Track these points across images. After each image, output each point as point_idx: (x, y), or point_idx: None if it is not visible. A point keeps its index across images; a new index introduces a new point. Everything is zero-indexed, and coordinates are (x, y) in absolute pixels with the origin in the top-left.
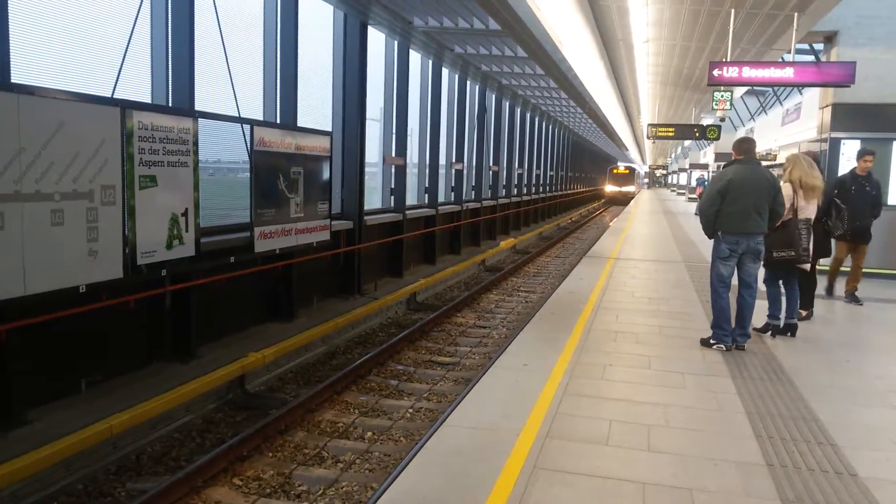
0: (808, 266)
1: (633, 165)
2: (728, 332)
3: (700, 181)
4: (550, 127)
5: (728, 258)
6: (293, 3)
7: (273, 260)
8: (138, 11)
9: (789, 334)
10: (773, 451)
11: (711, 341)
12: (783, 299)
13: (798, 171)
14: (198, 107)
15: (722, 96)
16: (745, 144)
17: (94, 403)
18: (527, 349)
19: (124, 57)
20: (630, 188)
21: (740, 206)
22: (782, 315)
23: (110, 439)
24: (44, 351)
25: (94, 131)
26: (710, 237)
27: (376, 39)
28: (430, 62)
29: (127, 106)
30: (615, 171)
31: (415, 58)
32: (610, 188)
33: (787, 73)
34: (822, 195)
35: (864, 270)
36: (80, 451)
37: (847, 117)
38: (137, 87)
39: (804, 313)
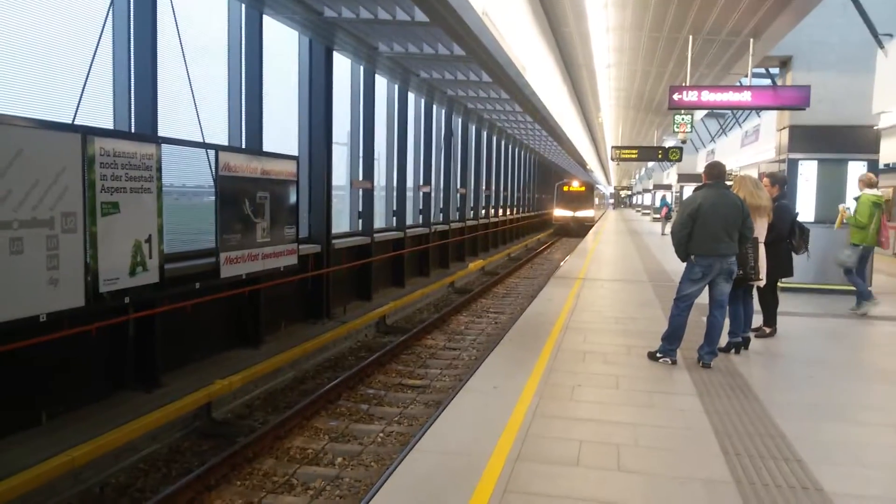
0: (761, 283)
1: (593, 182)
2: (676, 347)
3: (663, 202)
4: (517, 150)
5: (700, 280)
6: (258, 27)
7: (239, 285)
8: (100, 36)
9: (744, 348)
10: (741, 469)
11: (658, 355)
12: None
13: (743, 191)
14: (161, 132)
15: (683, 119)
16: (716, 169)
17: (56, 435)
18: (496, 371)
19: (85, 82)
20: (587, 212)
21: (711, 230)
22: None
23: (72, 471)
24: (2, 382)
25: (54, 158)
26: (683, 260)
27: (342, 64)
28: (396, 87)
29: (88, 132)
30: (566, 188)
31: (381, 82)
32: (559, 213)
33: (745, 97)
34: (769, 214)
35: (823, 287)
36: (41, 484)
37: (803, 139)
38: (99, 112)
39: (768, 330)
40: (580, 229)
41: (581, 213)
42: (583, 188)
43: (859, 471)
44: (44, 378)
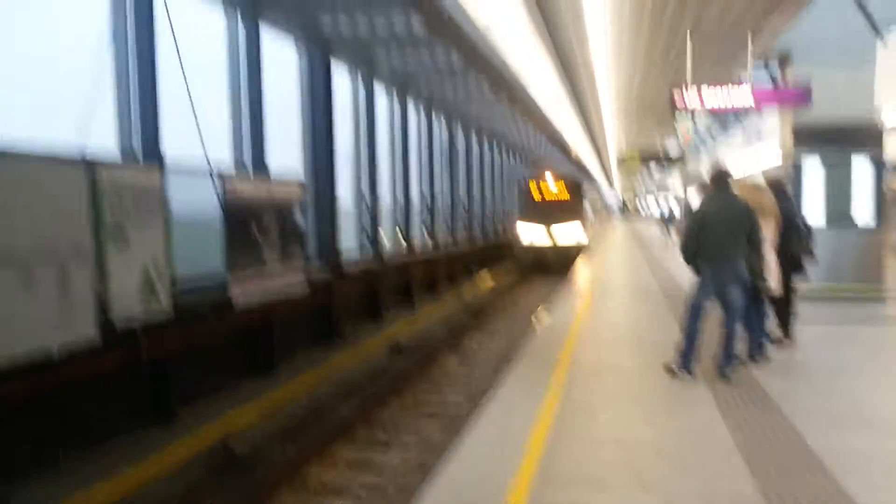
0: (771, 290)
1: (578, 180)
2: (692, 358)
3: (668, 212)
4: (522, 160)
5: (709, 286)
6: (256, 41)
7: (250, 312)
8: (100, 60)
9: (761, 357)
10: (768, 483)
11: (675, 368)
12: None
13: (743, 195)
14: (164, 150)
15: (684, 123)
16: (719, 175)
17: (74, 476)
18: (512, 392)
19: (88, 109)
20: (573, 232)
21: (717, 236)
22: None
23: None
24: (15, 421)
25: (60, 190)
26: (693, 270)
27: (342, 80)
28: (396, 98)
29: (93, 164)
30: (535, 189)
31: (381, 96)
32: (526, 232)
33: (746, 97)
34: (776, 216)
35: (839, 294)
36: None
37: (806, 136)
38: (102, 137)
39: (785, 339)
40: (561, 262)
41: (560, 236)
42: (565, 187)
43: (889, 481)
44: (57, 415)
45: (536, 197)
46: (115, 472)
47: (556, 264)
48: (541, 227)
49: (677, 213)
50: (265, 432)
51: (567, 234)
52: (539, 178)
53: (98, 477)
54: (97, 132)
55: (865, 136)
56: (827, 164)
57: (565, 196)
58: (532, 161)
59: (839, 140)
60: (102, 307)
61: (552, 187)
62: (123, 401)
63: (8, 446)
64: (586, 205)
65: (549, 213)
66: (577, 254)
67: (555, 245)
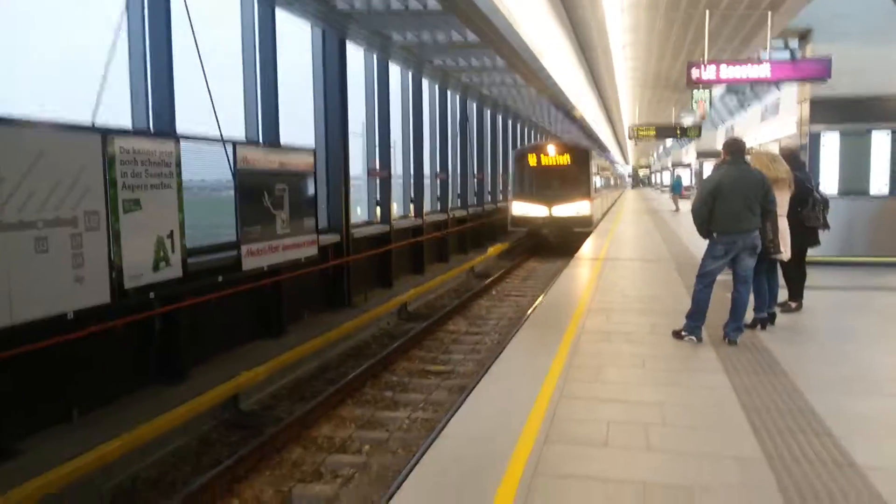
0: (782, 257)
1: (586, 147)
2: (701, 325)
3: (677, 182)
4: (534, 133)
5: (722, 257)
6: (270, 20)
7: (261, 277)
8: (116, 35)
9: (770, 324)
10: (772, 445)
11: (683, 333)
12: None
13: (758, 165)
14: (179, 127)
15: (701, 96)
16: (735, 146)
17: (87, 431)
18: (520, 354)
19: (103, 82)
20: (579, 206)
21: (732, 207)
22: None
23: (103, 467)
24: (33, 380)
25: (74, 159)
26: (704, 237)
27: (356, 53)
28: (410, 74)
29: (108, 133)
30: (533, 158)
31: (395, 70)
32: (520, 209)
33: (764, 70)
34: (790, 186)
35: (851, 259)
36: (73, 480)
37: (825, 111)
38: (118, 111)
39: (794, 305)
40: (562, 238)
41: (560, 210)
42: (566, 155)
43: (893, 444)
44: (73, 375)
45: (534, 171)
46: (126, 428)
47: (558, 241)
48: (539, 205)
49: (686, 182)
50: (274, 392)
51: (567, 210)
52: (536, 148)
53: (110, 432)
54: (112, 110)
55: (885, 110)
56: (845, 137)
57: (565, 167)
58: (545, 135)
59: (858, 114)
60: (116, 272)
61: (550, 154)
62: (136, 362)
63: (22, 403)
64: (594, 175)
65: (546, 184)
66: (584, 232)
67: (553, 223)
